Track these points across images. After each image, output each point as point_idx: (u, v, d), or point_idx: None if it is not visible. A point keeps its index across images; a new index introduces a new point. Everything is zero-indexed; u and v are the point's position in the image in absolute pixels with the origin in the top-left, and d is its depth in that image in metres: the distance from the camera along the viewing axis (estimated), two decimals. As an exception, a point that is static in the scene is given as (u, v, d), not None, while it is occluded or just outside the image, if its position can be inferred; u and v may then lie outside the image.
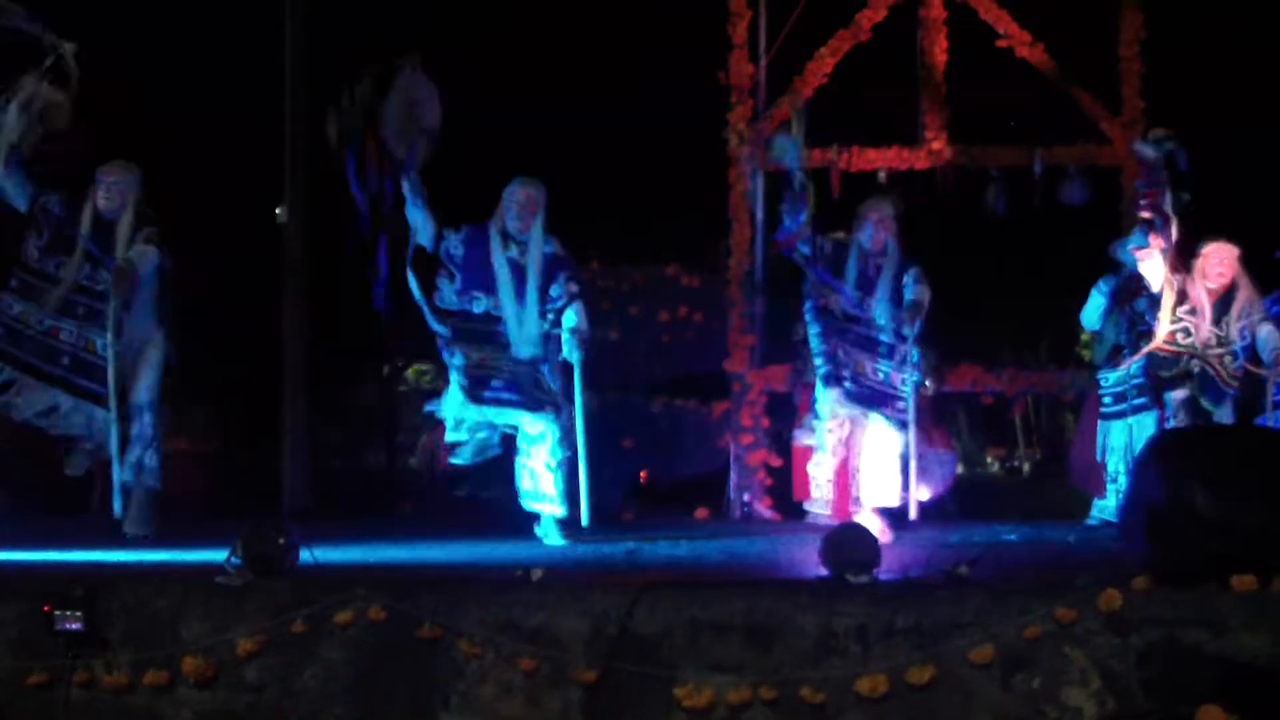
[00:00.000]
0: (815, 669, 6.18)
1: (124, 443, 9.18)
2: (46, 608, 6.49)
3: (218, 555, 6.95)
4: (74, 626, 6.50)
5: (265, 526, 6.95)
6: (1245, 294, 9.69)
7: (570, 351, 9.08)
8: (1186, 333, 9.72)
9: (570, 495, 9.12)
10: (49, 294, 9.19)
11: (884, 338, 9.49)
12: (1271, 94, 13.99)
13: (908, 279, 9.51)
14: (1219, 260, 9.67)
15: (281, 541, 6.86)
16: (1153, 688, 6.03)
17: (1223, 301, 9.68)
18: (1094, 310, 10.41)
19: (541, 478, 9.09)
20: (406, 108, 9.02)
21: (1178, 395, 9.67)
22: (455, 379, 9.15)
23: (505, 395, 9.08)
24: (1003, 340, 14.55)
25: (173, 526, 9.43)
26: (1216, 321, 9.67)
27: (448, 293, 9.17)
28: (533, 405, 9.06)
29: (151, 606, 6.62)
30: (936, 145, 12.33)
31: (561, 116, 15.22)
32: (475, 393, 9.08)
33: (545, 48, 15.40)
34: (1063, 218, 12.37)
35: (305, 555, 6.97)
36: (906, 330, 9.35)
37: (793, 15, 12.46)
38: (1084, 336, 12.22)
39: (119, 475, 9.14)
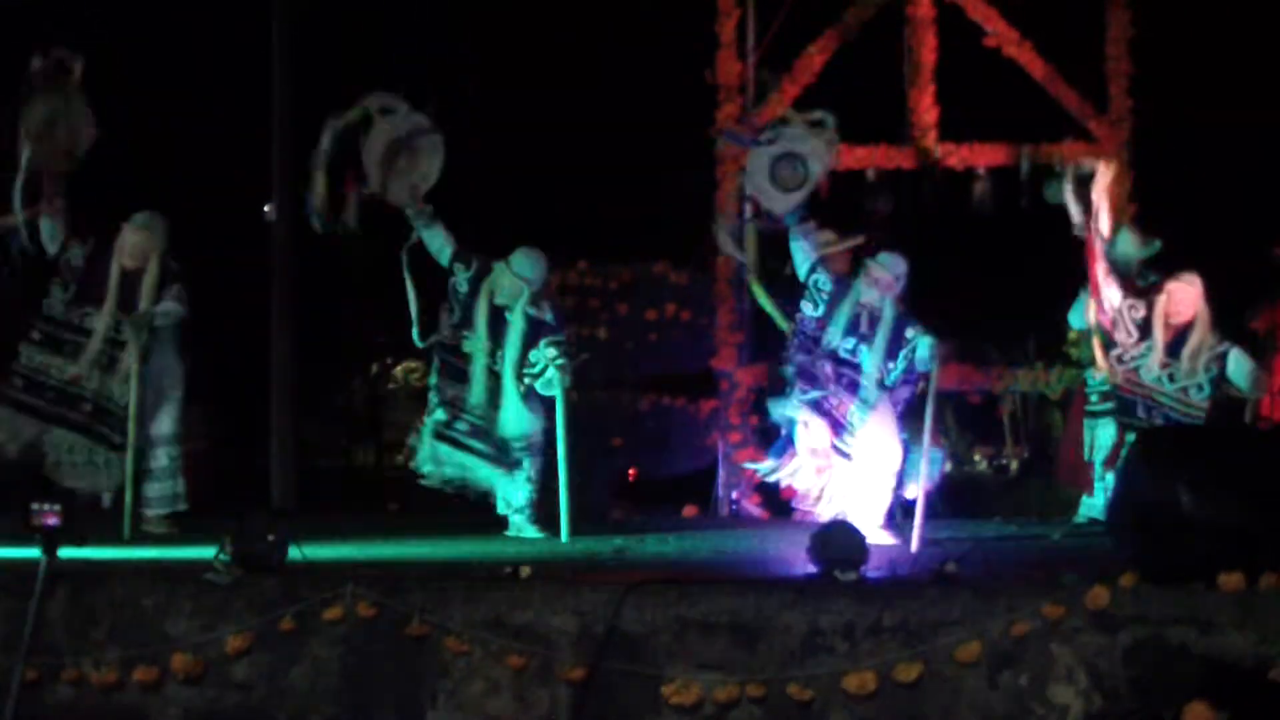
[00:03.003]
0: (803, 667, 6.20)
1: (143, 475, 9.43)
2: (26, 501, 6.52)
3: (206, 552, 6.95)
4: (52, 522, 6.54)
5: (254, 524, 6.95)
6: (1202, 330, 9.68)
7: (549, 386, 9.35)
8: (1148, 370, 9.73)
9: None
10: (77, 347, 9.40)
11: (865, 382, 9.43)
12: (1258, 91, 14.03)
13: (910, 341, 9.42)
14: (1181, 299, 9.68)
15: (270, 539, 6.86)
16: (1139, 685, 6.05)
17: (1179, 337, 9.70)
18: (1083, 311, 10.45)
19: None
20: (394, 147, 9.25)
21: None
22: (432, 413, 9.53)
23: (471, 442, 9.45)
24: (990, 338, 14.57)
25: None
26: (1172, 354, 9.69)
27: (445, 323, 9.47)
28: (493, 460, 9.45)
29: (140, 604, 6.62)
30: (924, 144, 12.35)
31: (549, 115, 15.23)
32: (444, 430, 9.47)
33: (532, 47, 15.41)
34: (1050, 216, 12.38)
35: (293, 552, 6.98)
36: (928, 366, 9.34)
37: (780, 14, 12.47)
38: (1071, 335, 12.23)
39: (129, 500, 9.24)
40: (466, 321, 9.43)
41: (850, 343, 9.42)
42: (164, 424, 9.55)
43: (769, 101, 12.44)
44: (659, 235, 13.47)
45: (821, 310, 9.52)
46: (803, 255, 9.68)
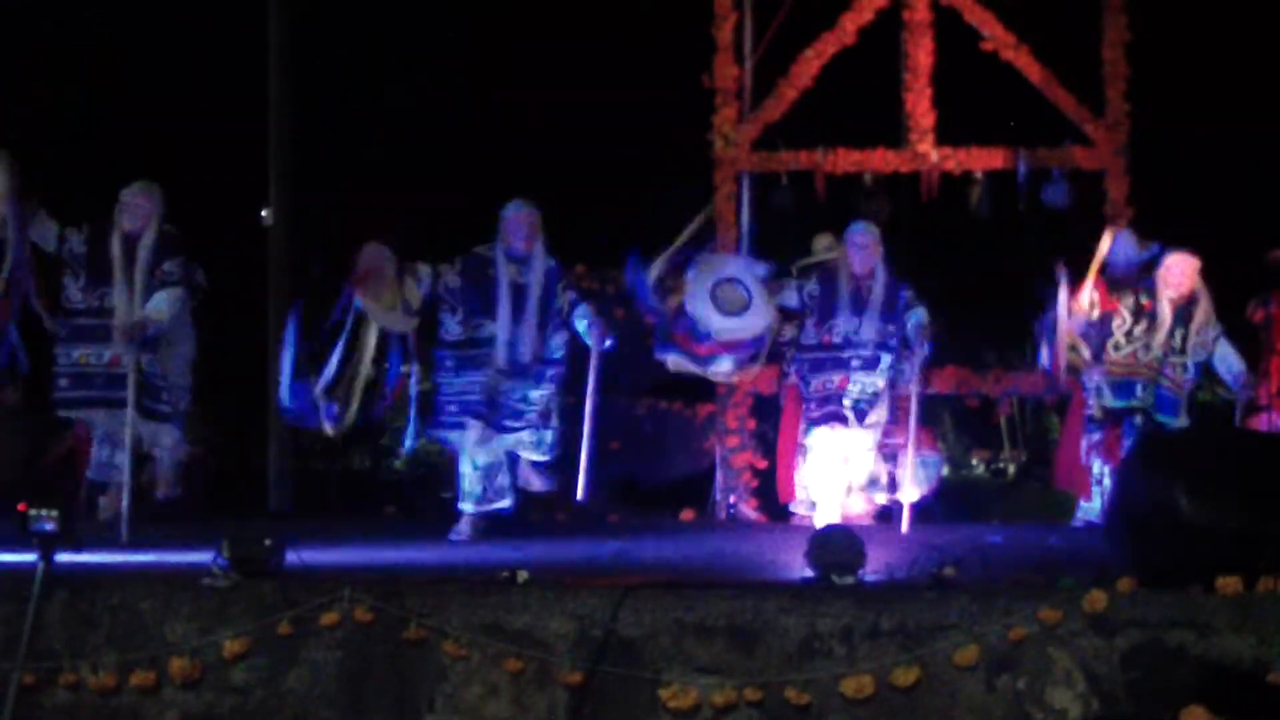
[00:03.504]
0: (800, 670, 6.20)
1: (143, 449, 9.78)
2: (22, 507, 6.51)
3: (203, 557, 6.95)
4: (49, 527, 6.53)
5: (251, 528, 6.95)
6: (1205, 307, 9.75)
7: (595, 339, 9.42)
8: (1147, 348, 9.78)
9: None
10: (105, 330, 9.55)
11: (864, 353, 9.61)
12: (1255, 94, 14.03)
13: (905, 302, 9.65)
14: (1180, 271, 9.74)
15: (267, 543, 6.86)
16: (1137, 689, 6.05)
17: (1182, 312, 9.74)
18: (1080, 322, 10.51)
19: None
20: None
21: (1134, 420, 9.78)
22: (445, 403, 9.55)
23: (503, 421, 9.44)
24: (988, 342, 14.55)
25: (158, 528, 9.44)
26: (1172, 332, 9.73)
27: (450, 324, 9.52)
28: (517, 427, 9.45)
29: (137, 608, 6.62)
30: (922, 147, 12.34)
31: (547, 117, 15.21)
32: (458, 417, 9.44)
33: (530, 49, 15.39)
34: (1046, 220, 12.39)
35: (291, 557, 6.97)
36: (917, 348, 9.54)
37: (778, 18, 12.46)
38: (1070, 338, 12.22)
39: (127, 504, 9.30)
40: (476, 310, 9.46)
41: (855, 322, 9.61)
42: (179, 396, 9.84)
43: (766, 106, 12.44)
44: (657, 239, 13.45)
45: (817, 315, 9.67)
46: (792, 301, 9.89)
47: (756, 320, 9.57)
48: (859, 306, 9.66)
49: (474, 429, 9.36)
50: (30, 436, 10.36)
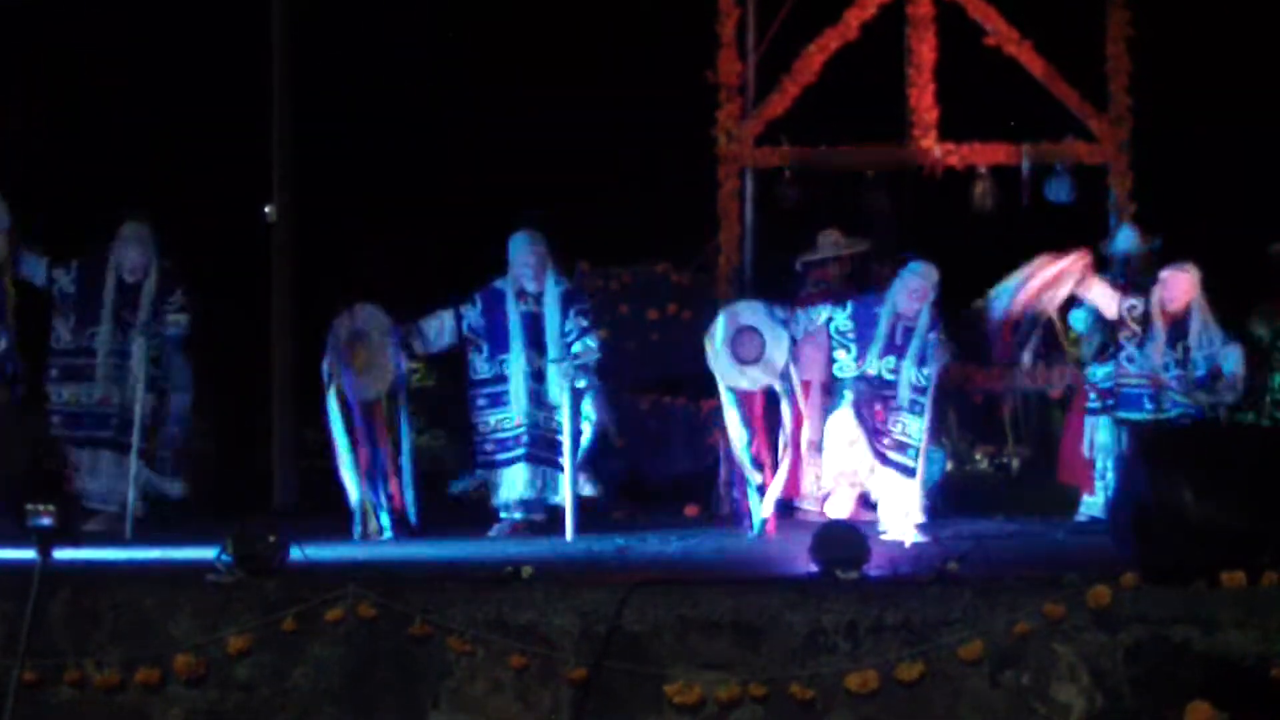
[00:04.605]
0: (804, 666, 6.21)
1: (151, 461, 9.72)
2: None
3: (208, 554, 6.95)
4: (47, 522, 6.53)
5: (255, 525, 6.96)
6: (1201, 319, 9.73)
7: (574, 377, 9.49)
8: (1130, 360, 9.78)
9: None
10: (94, 369, 9.62)
11: (904, 393, 9.52)
12: (1258, 90, 14.02)
13: (932, 339, 9.57)
14: (1176, 286, 9.73)
15: (271, 540, 6.87)
16: (1141, 684, 6.06)
17: (1178, 325, 9.73)
18: (1082, 317, 10.52)
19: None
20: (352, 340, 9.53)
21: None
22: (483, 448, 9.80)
23: (533, 451, 9.68)
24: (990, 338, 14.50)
25: (162, 525, 9.45)
26: (1172, 344, 9.73)
27: (478, 363, 9.71)
28: (543, 460, 9.65)
29: (141, 605, 6.63)
30: (925, 143, 12.32)
31: (550, 115, 15.20)
32: (496, 456, 9.73)
33: (532, 46, 15.38)
34: (1050, 215, 12.37)
35: (295, 553, 6.98)
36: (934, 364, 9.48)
37: (781, 13, 12.44)
38: (1071, 334, 12.22)
39: (131, 502, 9.42)
40: (499, 347, 9.62)
41: (890, 360, 9.52)
42: (170, 425, 9.80)
43: (769, 101, 12.42)
44: (660, 236, 13.44)
45: (855, 351, 9.59)
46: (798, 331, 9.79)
47: (763, 375, 9.55)
48: (893, 345, 9.52)
49: (513, 470, 9.64)
50: (29, 434, 10.33)
